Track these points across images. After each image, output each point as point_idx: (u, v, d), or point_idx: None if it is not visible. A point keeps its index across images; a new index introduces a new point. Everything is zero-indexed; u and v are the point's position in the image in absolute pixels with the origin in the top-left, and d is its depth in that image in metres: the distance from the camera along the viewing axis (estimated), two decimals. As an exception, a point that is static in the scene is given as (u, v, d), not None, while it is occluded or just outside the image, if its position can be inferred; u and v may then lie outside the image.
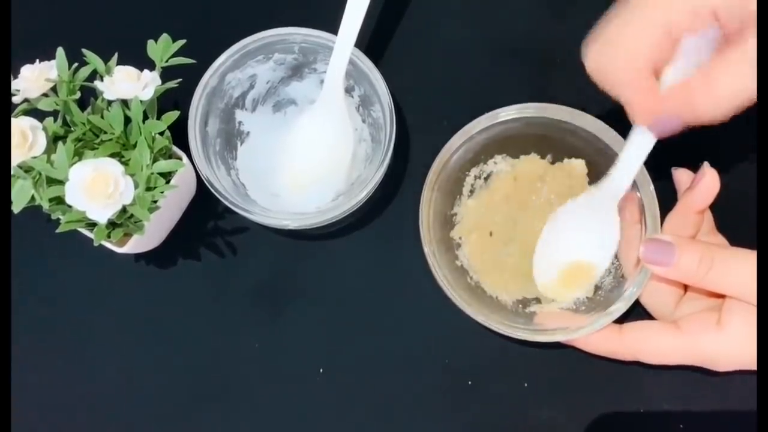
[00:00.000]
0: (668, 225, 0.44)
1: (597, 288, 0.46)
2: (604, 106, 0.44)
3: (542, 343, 0.45)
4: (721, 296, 0.41)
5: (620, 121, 0.44)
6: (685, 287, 0.44)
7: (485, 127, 0.46)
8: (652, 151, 0.42)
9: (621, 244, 0.44)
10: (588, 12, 0.52)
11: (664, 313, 0.44)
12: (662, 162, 0.45)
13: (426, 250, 0.44)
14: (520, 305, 0.47)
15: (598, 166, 0.46)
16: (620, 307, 0.42)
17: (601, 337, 0.43)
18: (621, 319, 0.43)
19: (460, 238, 0.48)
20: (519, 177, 0.49)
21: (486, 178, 0.49)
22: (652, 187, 0.44)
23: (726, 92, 0.34)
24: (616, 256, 0.45)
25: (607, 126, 0.45)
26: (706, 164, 0.44)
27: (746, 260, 0.40)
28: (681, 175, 0.46)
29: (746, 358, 0.40)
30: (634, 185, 0.44)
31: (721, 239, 0.45)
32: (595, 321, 0.42)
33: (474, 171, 0.48)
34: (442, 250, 0.46)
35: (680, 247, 0.41)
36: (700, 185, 0.43)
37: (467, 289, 0.46)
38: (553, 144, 0.48)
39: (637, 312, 0.45)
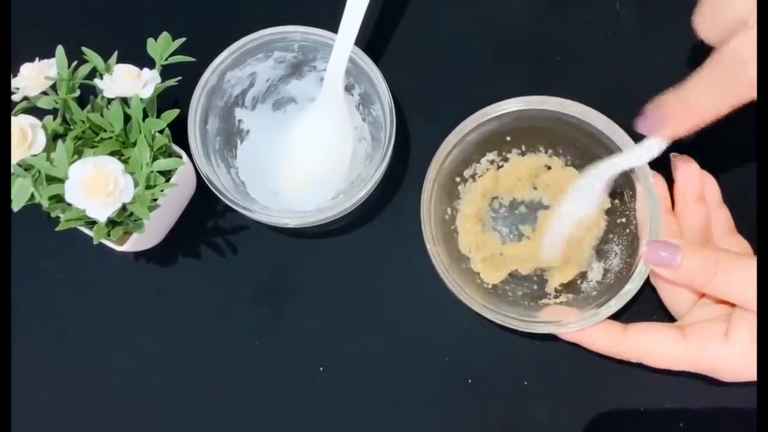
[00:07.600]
0: (672, 221, 0.44)
1: (606, 271, 0.46)
2: (603, 104, 0.45)
3: (542, 337, 0.45)
4: (734, 305, 0.41)
5: (614, 112, 0.44)
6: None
7: (478, 124, 0.45)
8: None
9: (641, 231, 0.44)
10: (587, 10, 0.53)
11: (679, 312, 0.44)
12: (667, 162, 0.45)
13: (429, 247, 0.44)
14: (530, 300, 0.47)
15: (590, 151, 0.46)
16: (618, 303, 0.42)
17: (605, 336, 0.42)
18: (626, 315, 0.43)
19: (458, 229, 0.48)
20: (512, 173, 0.49)
21: (481, 177, 0.49)
22: (657, 193, 0.43)
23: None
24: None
25: (598, 113, 0.45)
26: (672, 155, 0.45)
27: (750, 268, 0.39)
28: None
29: (752, 371, 0.40)
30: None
31: (739, 239, 0.44)
32: (589, 316, 0.42)
33: (468, 171, 0.48)
34: (444, 249, 0.45)
35: (684, 250, 0.40)
36: (677, 172, 0.44)
37: (476, 288, 0.46)
38: (547, 136, 0.48)
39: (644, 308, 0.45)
